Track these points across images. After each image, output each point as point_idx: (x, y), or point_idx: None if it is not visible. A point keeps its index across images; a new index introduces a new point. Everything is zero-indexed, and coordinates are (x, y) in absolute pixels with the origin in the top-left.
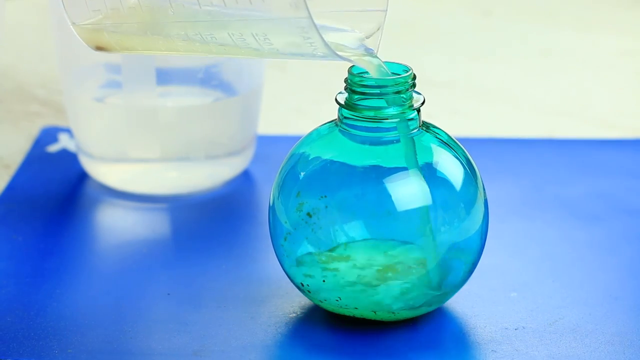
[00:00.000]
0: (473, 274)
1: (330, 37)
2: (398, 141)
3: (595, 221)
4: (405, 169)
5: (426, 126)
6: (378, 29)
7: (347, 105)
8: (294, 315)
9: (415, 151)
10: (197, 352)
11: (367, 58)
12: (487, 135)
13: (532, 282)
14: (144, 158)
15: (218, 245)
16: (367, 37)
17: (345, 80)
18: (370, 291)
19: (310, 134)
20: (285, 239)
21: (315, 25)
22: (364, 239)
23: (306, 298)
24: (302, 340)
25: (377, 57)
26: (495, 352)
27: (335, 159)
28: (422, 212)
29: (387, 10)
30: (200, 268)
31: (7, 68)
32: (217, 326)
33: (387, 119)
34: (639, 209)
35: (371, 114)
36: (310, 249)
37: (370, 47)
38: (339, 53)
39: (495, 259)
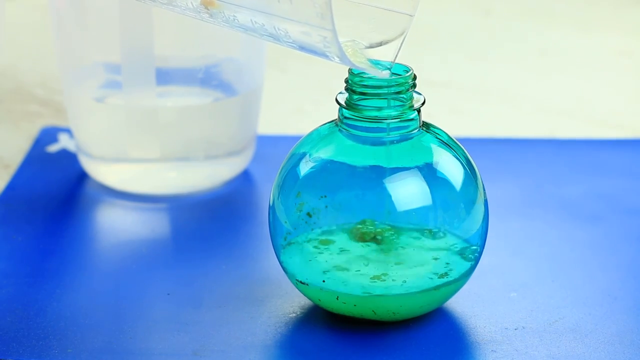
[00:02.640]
0: (473, 274)
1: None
2: (398, 141)
3: (595, 221)
4: (405, 169)
5: (426, 126)
6: (402, 34)
7: (348, 105)
8: (294, 315)
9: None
10: (197, 352)
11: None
12: (487, 135)
13: (532, 282)
14: (144, 158)
15: (218, 245)
16: (386, 43)
17: (346, 80)
18: (369, 291)
19: (310, 134)
20: (285, 239)
21: (337, 38)
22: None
23: (306, 298)
24: (302, 340)
25: (389, 68)
26: (495, 352)
27: (335, 159)
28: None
29: (414, 15)
30: (200, 268)
31: (7, 68)
32: (217, 326)
33: (386, 119)
34: (639, 209)
35: (373, 113)
36: (310, 248)
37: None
38: (353, 61)
39: (495, 259)
